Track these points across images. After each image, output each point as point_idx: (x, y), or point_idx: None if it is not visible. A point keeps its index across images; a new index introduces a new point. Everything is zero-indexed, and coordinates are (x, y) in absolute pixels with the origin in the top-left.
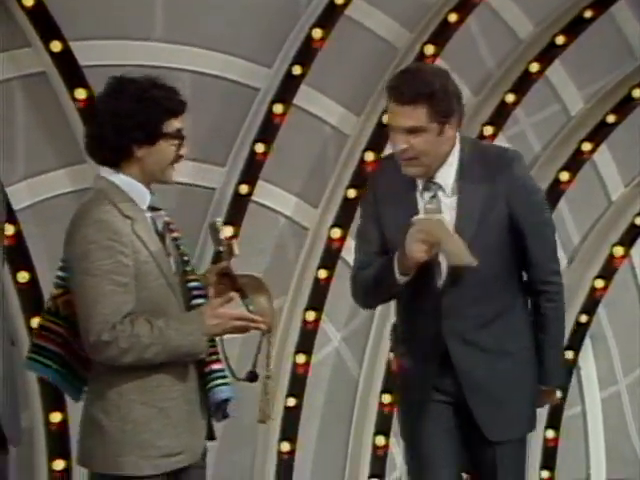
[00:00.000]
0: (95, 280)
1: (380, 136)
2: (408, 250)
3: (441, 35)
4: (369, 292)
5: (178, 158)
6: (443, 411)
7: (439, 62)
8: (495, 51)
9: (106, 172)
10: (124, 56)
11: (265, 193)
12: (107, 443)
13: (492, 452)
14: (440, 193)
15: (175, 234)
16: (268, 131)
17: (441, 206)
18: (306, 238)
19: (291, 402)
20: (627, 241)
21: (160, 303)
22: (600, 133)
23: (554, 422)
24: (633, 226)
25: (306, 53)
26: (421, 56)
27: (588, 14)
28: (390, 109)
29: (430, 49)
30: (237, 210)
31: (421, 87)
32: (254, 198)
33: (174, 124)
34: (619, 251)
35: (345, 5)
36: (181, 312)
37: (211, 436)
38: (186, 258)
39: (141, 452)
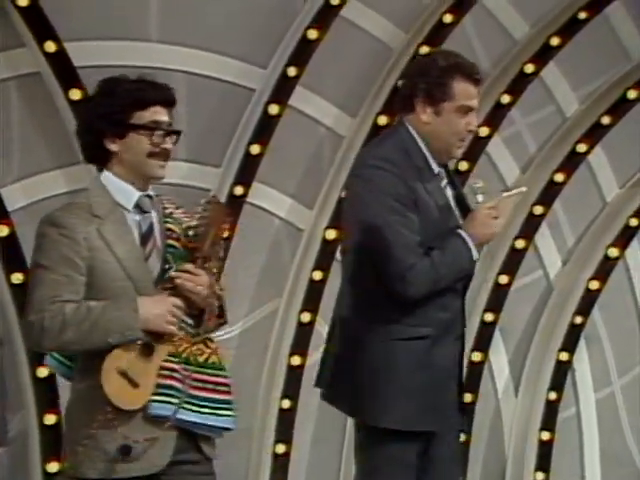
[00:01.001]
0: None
1: (375, 137)
2: (494, 228)
3: (436, 36)
4: (440, 280)
5: (158, 151)
6: None
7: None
8: (490, 52)
9: (97, 171)
10: (119, 57)
11: (260, 194)
12: (66, 442)
13: (454, 442)
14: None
15: (170, 241)
16: (263, 132)
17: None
18: (301, 239)
19: (286, 404)
20: (622, 242)
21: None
22: (595, 134)
23: (549, 424)
24: (628, 227)
25: (301, 54)
26: (416, 57)
27: (583, 15)
28: (468, 91)
29: (425, 50)
30: (232, 211)
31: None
32: (249, 199)
33: (145, 116)
34: (614, 252)
35: (340, 6)
36: None
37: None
38: (167, 266)
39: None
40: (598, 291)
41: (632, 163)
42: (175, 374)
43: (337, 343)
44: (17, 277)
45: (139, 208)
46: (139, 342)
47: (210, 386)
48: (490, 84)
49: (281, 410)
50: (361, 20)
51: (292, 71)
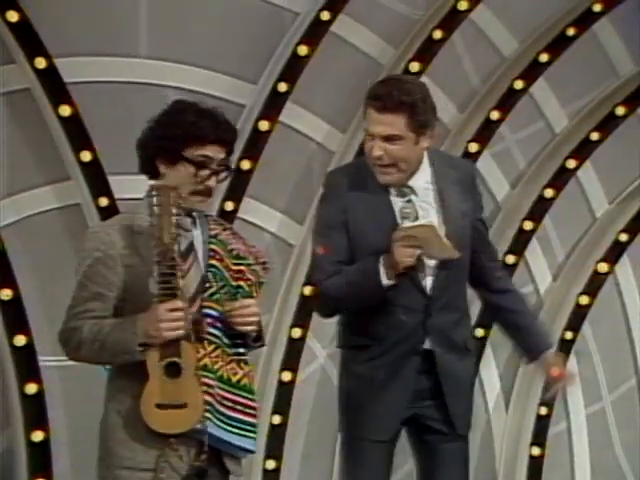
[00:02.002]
0: (76, 286)
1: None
2: (399, 256)
3: (426, 52)
4: (345, 299)
5: (201, 188)
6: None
7: (424, 79)
8: (480, 68)
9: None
10: (109, 72)
11: (250, 209)
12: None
13: (453, 448)
14: (413, 197)
15: (214, 261)
16: (254, 148)
17: (417, 209)
18: (292, 254)
19: (276, 420)
20: (611, 258)
21: None
22: (584, 150)
23: (539, 439)
24: (617, 243)
25: (292, 70)
26: (406, 73)
27: (571, 32)
28: (370, 116)
29: (415, 66)
30: None
31: (403, 96)
32: (239, 214)
33: (200, 151)
34: (604, 267)
35: (331, 21)
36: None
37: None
38: (207, 284)
39: (107, 460)
40: (588, 306)
41: (621, 179)
42: (210, 390)
43: None
44: (6, 293)
45: (179, 226)
46: (163, 364)
47: (239, 407)
48: (479, 100)
49: (272, 426)
50: (351, 36)
51: (282, 87)
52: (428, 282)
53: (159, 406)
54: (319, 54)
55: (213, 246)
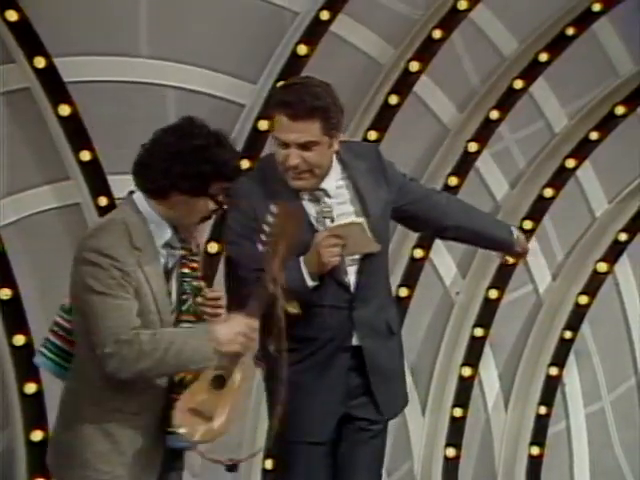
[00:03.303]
0: (100, 297)
1: None
2: (326, 257)
3: (426, 51)
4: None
5: (207, 219)
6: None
7: (424, 78)
8: (479, 68)
9: (139, 196)
10: (108, 72)
11: None
12: (61, 454)
13: (373, 432)
14: (327, 199)
15: (185, 269)
16: (253, 147)
17: (333, 210)
18: None
19: None
20: (611, 257)
21: None
22: (584, 149)
23: (539, 438)
24: (617, 242)
25: (291, 69)
26: (406, 72)
27: (570, 31)
28: (282, 124)
29: (415, 65)
30: (221, 226)
31: (315, 101)
32: None
33: (222, 186)
34: (603, 267)
35: (330, 21)
36: None
37: (180, 467)
38: (184, 297)
39: (81, 471)
40: (587, 306)
41: (620, 178)
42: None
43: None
44: (5, 293)
45: (168, 244)
46: (213, 373)
47: None
48: (479, 100)
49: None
50: (350, 35)
51: None
52: (351, 278)
53: (191, 410)
54: (318, 54)
55: (183, 251)
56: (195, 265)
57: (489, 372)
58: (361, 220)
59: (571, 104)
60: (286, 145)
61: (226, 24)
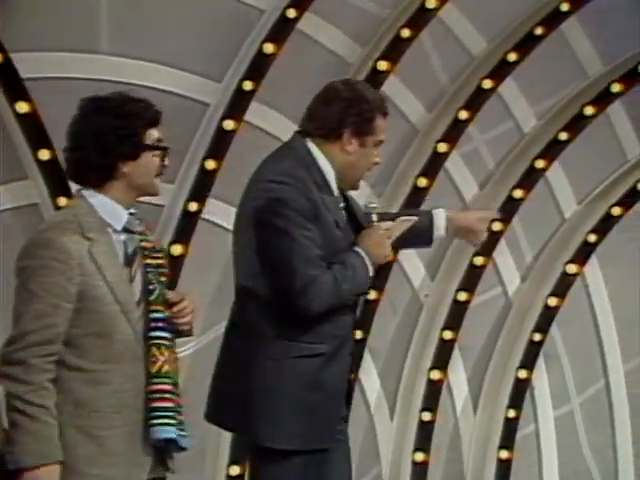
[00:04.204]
0: (28, 295)
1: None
2: (386, 250)
3: (394, 51)
4: (341, 295)
5: (162, 169)
6: None
7: (392, 78)
8: (448, 67)
9: (86, 191)
10: (68, 69)
11: (215, 211)
12: None
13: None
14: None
15: (149, 260)
16: (218, 147)
17: (377, 206)
18: None
19: None
20: (580, 259)
21: (108, 328)
22: (553, 150)
23: (508, 442)
24: (586, 244)
25: (257, 68)
26: (374, 72)
27: (539, 31)
28: (382, 124)
29: (383, 65)
30: (186, 228)
31: None
32: (204, 216)
33: (153, 134)
34: (572, 269)
35: (297, 19)
36: (133, 341)
37: (165, 468)
38: (151, 287)
39: (70, 478)
40: (557, 308)
41: (590, 179)
42: (169, 396)
43: (224, 362)
44: None
45: (126, 228)
46: None
47: (168, 395)
48: (448, 100)
49: None
50: (318, 34)
51: (248, 85)
52: None
53: None
54: (285, 52)
55: (144, 243)
56: (160, 261)
57: (458, 375)
58: (416, 218)
59: (540, 104)
60: (379, 145)
61: (191, 21)
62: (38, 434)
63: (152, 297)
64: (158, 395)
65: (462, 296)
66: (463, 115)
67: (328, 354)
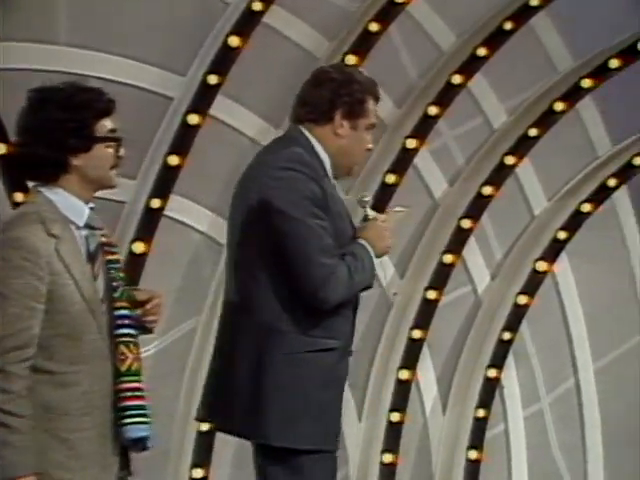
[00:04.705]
0: (0, 299)
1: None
2: (388, 241)
3: (362, 45)
4: (354, 287)
5: (117, 161)
6: None
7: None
8: (417, 62)
9: (42, 186)
10: (25, 59)
11: (178, 207)
12: None
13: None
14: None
15: (110, 257)
16: (182, 142)
17: (370, 198)
18: (222, 254)
19: (205, 426)
20: (550, 256)
21: (77, 328)
22: (523, 146)
23: (477, 442)
24: (556, 241)
25: (222, 61)
26: (324, 67)
27: (509, 26)
28: (372, 108)
29: (351, 59)
30: (149, 225)
31: None
32: (167, 213)
33: (105, 125)
34: (542, 266)
35: (263, 12)
36: (100, 340)
37: (128, 472)
38: (115, 284)
39: None
40: (526, 306)
41: (560, 176)
42: (140, 393)
43: (228, 359)
44: None
45: (87, 224)
46: None
47: (139, 393)
48: (417, 95)
49: (199, 432)
50: (285, 28)
51: (213, 79)
52: None
53: None
54: (251, 46)
55: (104, 238)
56: (118, 257)
57: (427, 375)
58: (408, 209)
59: (510, 100)
60: (371, 128)
61: (153, 12)
62: (20, 446)
63: (117, 294)
64: (129, 393)
65: (431, 294)
66: (432, 111)
67: (340, 349)
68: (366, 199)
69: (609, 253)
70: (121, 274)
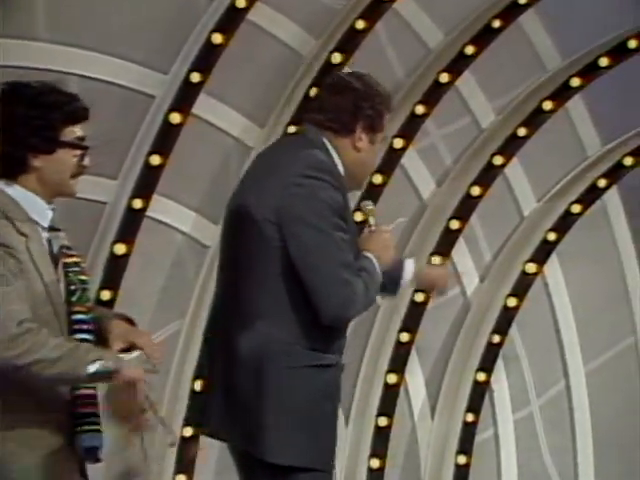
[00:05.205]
0: None
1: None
2: (392, 253)
3: (348, 43)
4: (370, 302)
5: (80, 170)
6: None
7: (347, 70)
8: (404, 60)
9: (1, 183)
10: (3, 56)
11: (161, 208)
12: None
13: None
14: None
15: (69, 259)
16: (164, 142)
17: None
18: (206, 256)
19: (188, 432)
20: (540, 258)
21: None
22: (511, 146)
23: (466, 447)
24: (546, 242)
25: (206, 59)
26: (328, 64)
27: (497, 24)
28: (386, 120)
29: (337, 57)
30: (130, 226)
31: None
32: (149, 213)
33: (74, 132)
34: (532, 268)
35: (247, 9)
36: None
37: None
38: (73, 287)
39: None
40: (516, 308)
41: (549, 176)
42: (95, 401)
43: (228, 370)
44: None
45: (52, 227)
46: None
47: (93, 401)
48: (404, 94)
49: (183, 438)
50: (270, 25)
51: (196, 77)
52: None
53: None
54: (236, 43)
55: (64, 241)
56: (77, 259)
57: (415, 379)
58: (405, 219)
59: (498, 99)
60: (383, 141)
61: (135, 8)
62: (81, 353)
63: (74, 298)
64: (86, 401)
65: (419, 297)
66: (420, 110)
67: (337, 365)
68: (369, 207)
69: (600, 254)
70: (81, 277)
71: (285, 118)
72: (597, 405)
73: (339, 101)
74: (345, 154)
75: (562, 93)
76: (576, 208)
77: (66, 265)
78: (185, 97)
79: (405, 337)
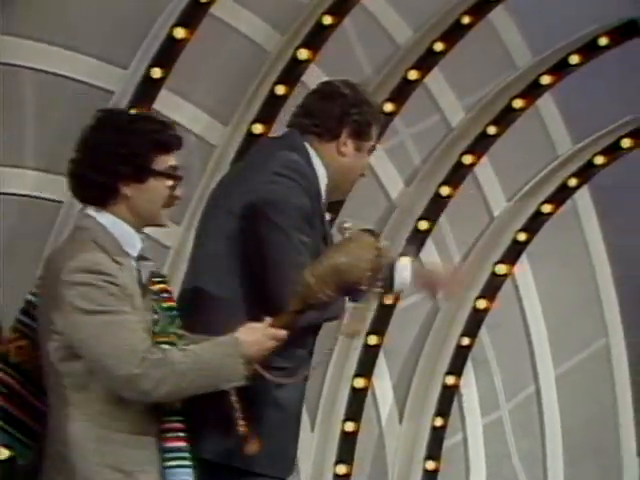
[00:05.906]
0: (102, 317)
1: (249, 147)
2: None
3: (315, 38)
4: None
5: (172, 200)
6: None
7: (313, 67)
8: (372, 57)
9: (92, 210)
10: None
11: None
12: None
13: None
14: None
15: (155, 286)
16: None
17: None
18: (168, 255)
19: None
20: (510, 258)
21: None
22: (481, 145)
23: (434, 452)
24: (516, 242)
25: (167, 54)
26: (294, 61)
27: (466, 20)
28: (375, 132)
29: (304, 54)
30: None
31: None
32: None
33: (166, 161)
34: (502, 269)
35: (210, 3)
36: None
37: None
38: (156, 317)
39: None
40: (486, 310)
41: (519, 175)
42: (180, 433)
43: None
44: None
45: (141, 256)
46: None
47: (181, 434)
48: (372, 91)
49: None
50: (234, 20)
51: (156, 72)
52: None
53: None
54: (198, 38)
55: (153, 269)
56: (163, 285)
57: (383, 382)
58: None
59: (468, 97)
60: (371, 153)
61: (94, 0)
62: (208, 362)
63: (157, 329)
64: (172, 435)
65: (388, 299)
66: (388, 107)
67: (288, 370)
68: (346, 225)
69: (570, 255)
70: (164, 304)
71: (249, 116)
72: (567, 409)
73: (327, 106)
74: (329, 159)
75: (532, 91)
76: (547, 208)
77: (152, 292)
78: (145, 93)
79: (373, 340)
